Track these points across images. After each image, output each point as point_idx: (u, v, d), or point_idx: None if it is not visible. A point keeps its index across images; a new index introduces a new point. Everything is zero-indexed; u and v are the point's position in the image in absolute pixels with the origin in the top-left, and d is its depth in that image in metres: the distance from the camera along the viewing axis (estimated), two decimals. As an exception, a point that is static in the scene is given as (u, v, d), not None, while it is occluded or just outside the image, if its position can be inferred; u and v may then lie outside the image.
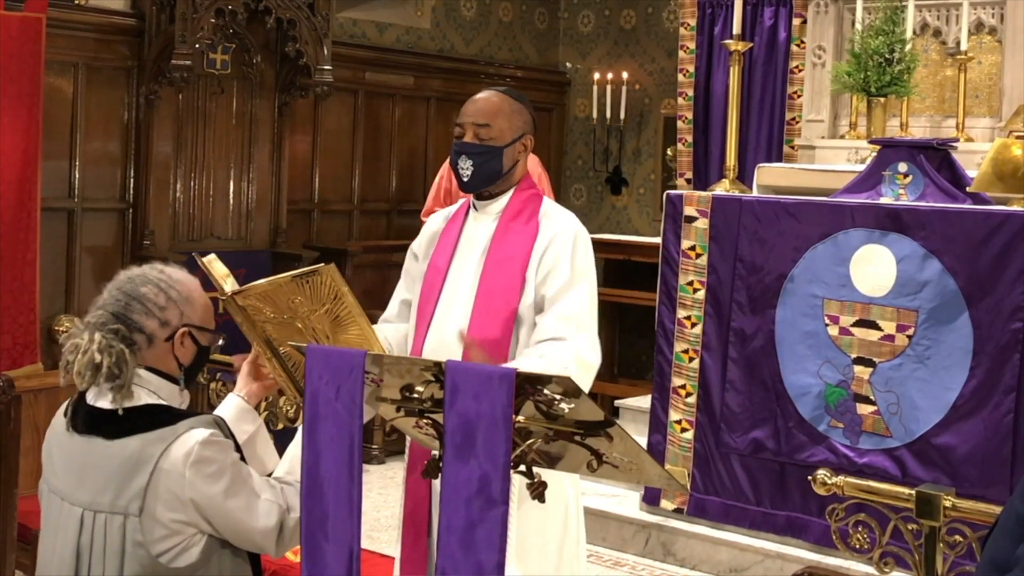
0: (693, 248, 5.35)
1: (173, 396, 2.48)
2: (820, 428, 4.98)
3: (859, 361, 4.89)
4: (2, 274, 5.41)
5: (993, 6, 6.20)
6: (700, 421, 5.29)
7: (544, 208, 3.19)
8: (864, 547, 3.22)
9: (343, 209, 7.68)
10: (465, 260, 3.17)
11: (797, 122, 6.86)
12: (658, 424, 5.41)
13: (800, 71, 6.82)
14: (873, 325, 4.86)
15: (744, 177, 6.23)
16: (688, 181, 7.36)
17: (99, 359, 2.37)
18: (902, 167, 5.12)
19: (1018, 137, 4.97)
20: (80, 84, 6.13)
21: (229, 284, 2.59)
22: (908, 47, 5.96)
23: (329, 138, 7.54)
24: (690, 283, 5.36)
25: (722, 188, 5.69)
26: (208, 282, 2.61)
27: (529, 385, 2.02)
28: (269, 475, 2.54)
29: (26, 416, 4.09)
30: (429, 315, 3.15)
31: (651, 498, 5.40)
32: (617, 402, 6.68)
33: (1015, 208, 4.71)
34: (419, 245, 3.34)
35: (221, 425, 2.44)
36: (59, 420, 2.51)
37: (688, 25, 7.33)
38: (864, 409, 4.88)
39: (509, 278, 3.08)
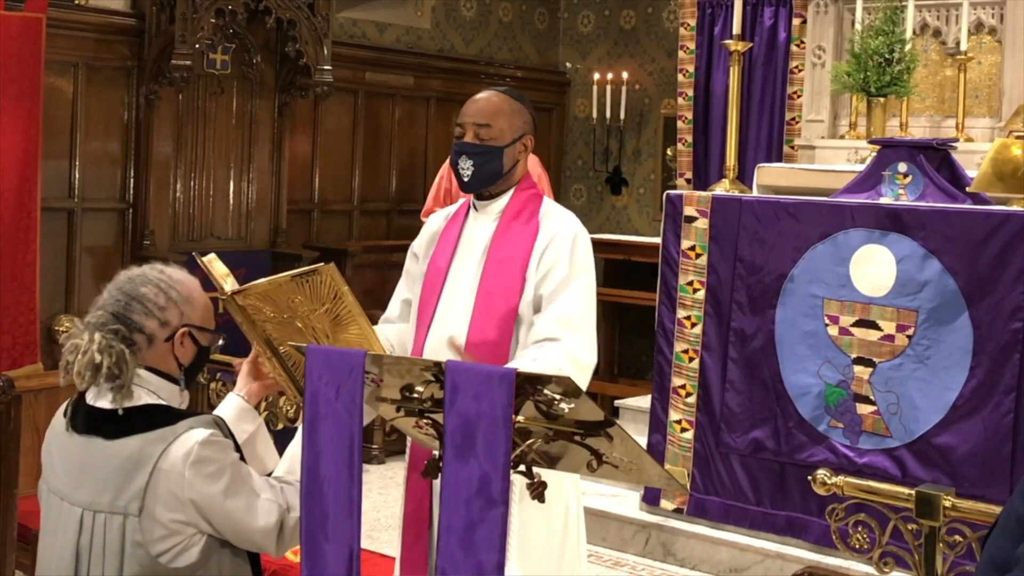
0: (693, 248, 5.35)
1: (173, 396, 2.48)
2: (820, 428, 4.98)
3: (859, 361, 4.89)
4: (2, 274, 5.41)
5: (993, 6, 6.20)
6: (700, 421, 5.29)
7: (544, 208, 3.19)
8: (864, 547, 3.22)
9: (343, 209, 7.68)
10: (465, 260, 3.17)
11: (797, 122, 6.86)
12: (658, 424, 5.41)
13: (800, 71, 6.82)
14: (873, 325, 4.86)
15: (744, 177, 6.23)
16: (688, 181, 7.36)
17: (99, 359, 2.37)
18: (902, 167, 5.12)
19: (1018, 137, 4.97)
20: (80, 84, 6.13)
21: (229, 284, 2.59)
22: (908, 47, 5.96)
23: (329, 138, 7.54)
24: (690, 283, 5.36)
25: (722, 188, 5.69)
26: (208, 282, 2.61)
27: (529, 385, 2.02)
28: (269, 474, 2.54)
29: (26, 416, 4.09)
30: (430, 315, 3.15)
31: (651, 498, 5.40)
32: (617, 402, 6.68)
33: (1015, 208, 4.71)
34: (419, 245, 3.34)
35: (221, 425, 2.44)
36: (59, 420, 2.51)
37: (688, 25, 7.33)
38: (864, 409, 4.88)
39: (509, 278, 3.08)
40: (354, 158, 7.71)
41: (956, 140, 5.47)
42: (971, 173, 5.07)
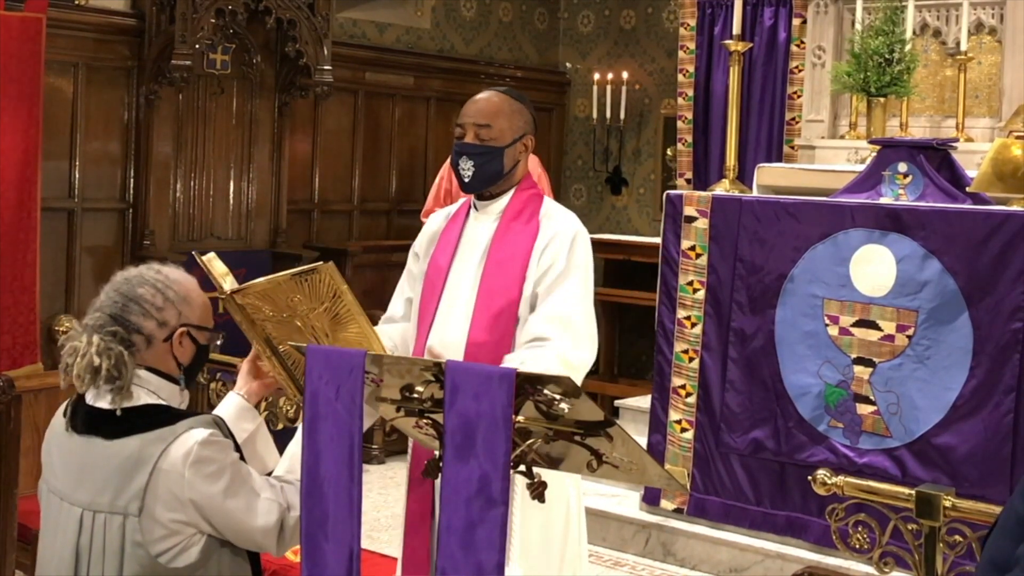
0: (693, 248, 5.35)
1: (173, 396, 2.48)
2: (820, 428, 4.98)
3: (859, 361, 4.89)
4: (2, 274, 5.41)
5: (993, 6, 6.20)
6: (700, 421, 5.29)
7: (545, 208, 3.19)
8: (864, 547, 3.22)
9: (343, 209, 7.68)
10: (466, 260, 3.17)
11: (797, 122, 6.86)
12: (658, 424, 5.41)
13: (800, 71, 6.82)
14: (873, 325, 4.86)
15: (744, 177, 6.23)
16: (688, 181, 7.36)
17: (98, 362, 2.37)
18: (902, 167, 5.12)
19: (1018, 137, 4.97)
20: (80, 84, 6.13)
21: (228, 283, 2.59)
22: (908, 47, 5.96)
23: (329, 138, 7.54)
24: (690, 283, 5.36)
25: (722, 188, 5.69)
26: (207, 281, 2.61)
27: (529, 385, 2.02)
28: (269, 474, 2.54)
29: (26, 416, 4.09)
30: (431, 315, 3.15)
31: (651, 498, 5.40)
32: (617, 402, 6.68)
33: (1015, 208, 4.71)
34: (420, 245, 3.34)
35: (220, 425, 2.44)
36: (58, 420, 2.51)
37: (688, 25, 7.34)
38: (864, 409, 4.88)
39: (510, 278, 3.08)
40: (354, 158, 7.71)
41: (956, 140, 5.47)
42: (971, 173, 5.07)
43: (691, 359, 5.33)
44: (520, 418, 2.06)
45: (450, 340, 3.08)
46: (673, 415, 5.36)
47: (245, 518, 2.36)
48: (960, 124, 6.00)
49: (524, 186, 3.21)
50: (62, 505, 2.43)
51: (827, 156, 6.29)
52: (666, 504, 5.35)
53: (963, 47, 6.01)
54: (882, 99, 5.97)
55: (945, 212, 4.79)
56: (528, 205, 3.18)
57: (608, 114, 8.47)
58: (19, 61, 5.42)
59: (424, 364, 2.13)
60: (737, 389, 5.20)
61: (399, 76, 7.91)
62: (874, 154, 5.36)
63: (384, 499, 6.02)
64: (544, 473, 2.14)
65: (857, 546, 3.24)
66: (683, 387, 5.34)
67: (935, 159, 5.12)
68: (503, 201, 3.19)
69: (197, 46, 6.04)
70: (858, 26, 6.22)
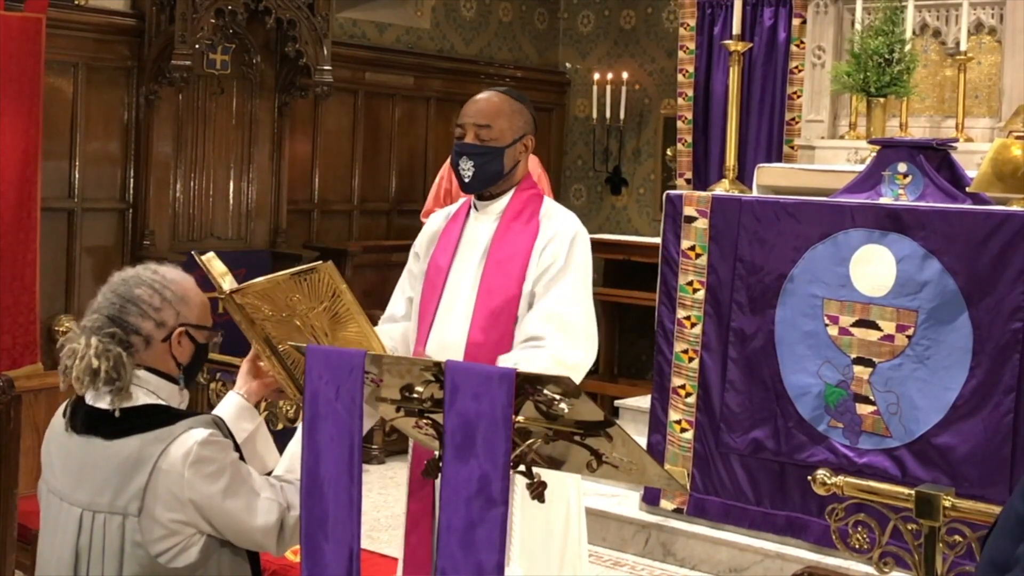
0: (693, 248, 5.35)
1: (173, 396, 2.48)
2: (820, 428, 4.98)
3: (859, 361, 4.89)
4: (2, 274, 5.41)
5: (993, 6, 6.20)
6: (700, 421, 5.29)
7: (545, 208, 3.19)
8: (864, 547, 3.22)
9: (343, 209, 7.68)
10: (466, 261, 3.17)
11: (797, 122, 6.86)
12: (658, 424, 5.41)
13: (800, 71, 6.82)
14: (873, 325, 4.86)
15: (744, 177, 6.24)
16: (688, 181, 7.36)
17: (96, 364, 2.37)
18: (902, 167, 5.12)
19: (1018, 137, 4.97)
20: (80, 84, 6.13)
21: (227, 282, 2.59)
22: (908, 47, 5.96)
23: (329, 138, 7.54)
24: (690, 283, 5.36)
25: (722, 188, 5.69)
26: (207, 280, 2.61)
27: (529, 385, 2.02)
28: (269, 473, 2.54)
29: (26, 416, 4.09)
30: (431, 315, 3.16)
31: (651, 498, 5.40)
32: (617, 402, 6.68)
33: (1015, 208, 4.72)
34: (420, 244, 3.34)
35: (220, 425, 2.44)
36: (58, 420, 2.51)
37: (688, 25, 7.34)
38: (864, 409, 4.88)
39: (510, 278, 3.08)
40: (354, 158, 7.71)
41: (956, 140, 5.47)
42: (971, 173, 5.08)
43: (691, 359, 5.33)
44: (520, 418, 2.06)
45: (450, 340, 3.08)
46: (673, 415, 5.36)
47: (245, 518, 2.36)
48: (960, 124, 6.00)
49: (524, 186, 3.21)
50: (62, 505, 2.43)
51: (827, 156, 6.29)
52: (666, 504, 5.35)
53: (963, 47, 6.01)
54: (882, 99, 5.97)
55: (945, 212, 4.79)
56: (528, 205, 3.18)
57: (608, 114, 8.47)
58: (19, 61, 5.43)
59: (424, 364, 2.13)
60: (737, 389, 5.20)
61: (399, 76, 7.91)
62: (874, 154, 5.36)
63: (384, 499, 6.02)
64: (544, 473, 2.15)
65: (857, 546, 3.24)
66: (683, 387, 5.34)
67: (935, 159, 5.12)
68: (503, 201, 3.19)
69: (197, 46, 6.04)
70: (858, 26, 6.22)
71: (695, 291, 5.34)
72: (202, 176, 6.57)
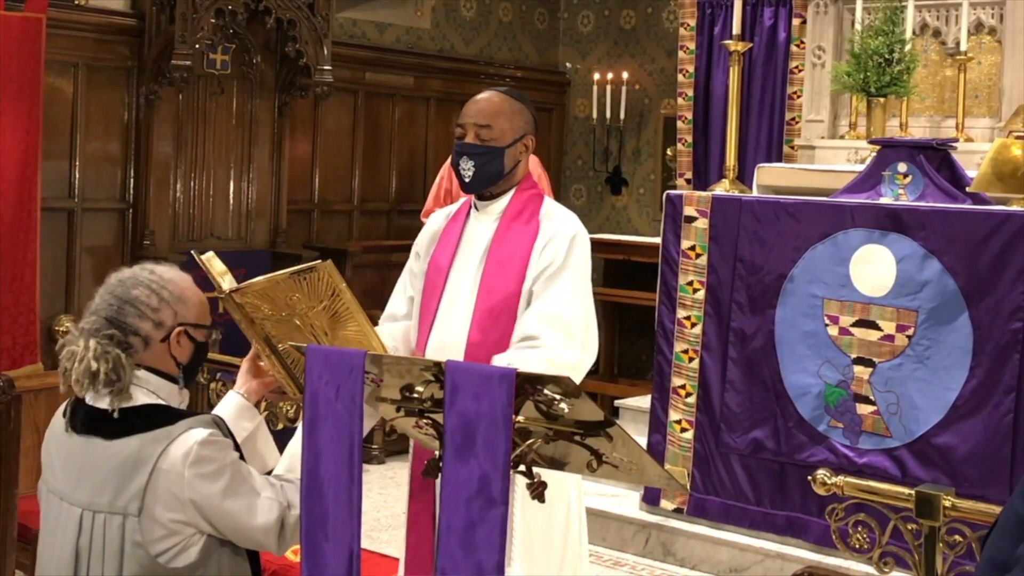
0: (693, 248, 5.35)
1: (172, 395, 2.48)
2: (820, 428, 4.98)
3: (859, 361, 4.89)
4: (2, 274, 5.41)
5: (993, 6, 6.20)
6: (700, 421, 5.29)
7: (545, 208, 3.19)
8: (864, 547, 3.22)
9: (343, 209, 7.68)
10: (466, 260, 3.17)
11: (797, 122, 6.86)
12: (658, 424, 5.41)
13: (800, 71, 6.82)
14: (873, 325, 4.86)
15: (744, 177, 6.23)
16: (688, 181, 7.36)
17: (95, 366, 2.36)
18: (902, 167, 5.12)
19: (1018, 137, 4.97)
20: (80, 84, 6.13)
21: (227, 281, 2.59)
22: (908, 47, 5.96)
23: (329, 138, 7.54)
24: (690, 283, 5.36)
25: (722, 188, 5.69)
26: (206, 280, 2.61)
27: (529, 385, 2.02)
28: (269, 472, 2.54)
29: (26, 416, 4.09)
30: (431, 315, 3.16)
31: (651, 498, 5.40)
32: (617, 402, 6.68)
33: (1015, 208, 4.72)
34: (421, 244, 3.34)
35: (220, 424, 2.44)
36: (58, 420, 2.51)
37: (688, 25, 7.33)
38: (864, 409, 4.88)
39: (509, 278, 3.08)
40: (354, 158, 7.71)
41: (956, 140, 5.47)
42: (971, 173, 5.07)
43: (691, 359, 5.33)
44: (520, 418, 2.06)
45: (450, 340, 3.09)
46: (673, 415, 5.36)
47: (245, 517, 2.36)
48: (960, 124, 6.00)
49: (524, 186, 3.21)
50: (62, 505, 2.43)
51: (827, 156, 6.29)
52: (666, 504, 5.35)
53: (963, 47, 6.01)
54: (882, 99, 5.97)
55: (945, 212, 4.79)
56: (528, 205, 3.18)
57: (608, 114, 8.47)
58: (19, 61, 5.42)
59: (424, 364, 2.13)
60: (737, 389, 5.20)
61: (399, 76, 7.91)
62: (874, 154, 5.36)
63: (384, 499, 6.02)
64: (544, 473, 2.15)
65: (857, 546, 3.24)
66: (683, 387, 5.34)
67: (935, 159, 5.12)
68: (503, 201, 3.19)
69: (197, 46, 6.04)
70: (858, 26, 6.22)
71: (695, 291, 5.34)
72: (202, 176, 6.57)
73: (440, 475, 2.05)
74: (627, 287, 7.80)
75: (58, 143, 6.01)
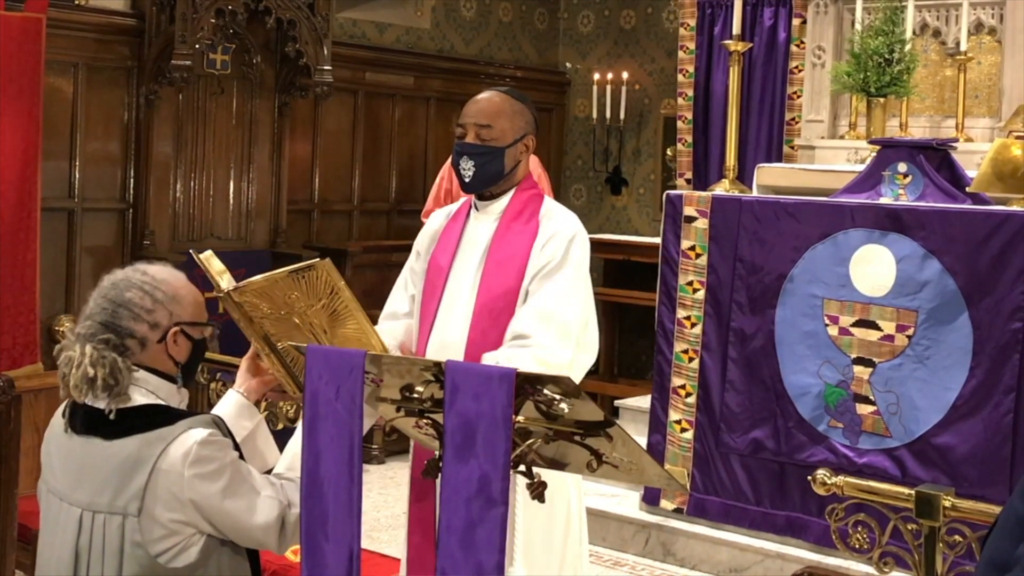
0: (693, 248, 5.35)
1: (172, 395, 2.48)
2: (820, 428, 4.98)
3: (859, 361, 4.89)
4: (2, 274, 5.41)
5: (993, 6, 6.20)
6: (700, 421, 5.29)
7: (545, 208, 3.19)
8: (864, 547, 3.22)
9: (343, 209, 7.68)
10: (466, 260, 3.17)
11: (797, 122, 6.86)
12: (658, 424, 5.41)
13: (800, 71, 6.82)
14: (873, 325, 4.86)
15: (744, 177, 6.23)
16: (688, 181, 7.36)
17: (92, 372, 2.36)
18: (902, 167, 5.12)
19: (1018, 137, 4.97)
20: (80, 84, 6.13)
21: (225, 280, 2.59)
22: (908, 47, 5.96)
23: (329, 138, 7.54)
24: (690, 283, 5.36)
25: (722, 188, 5.69)
26: (205, 280, 2.61)
27: (529, 385, 2.02)
28: (270, 471, 2.54)
29: (26, 416, 4.09)
30: (432, 315, 3.16)
31: (651, 498, 5.40)
32: (617, 402, 6.68)
33: (1015, 208, 4.72)
34: (421, 243, 3.34)
35: (219, 424, 2.44)
36: (57, 420, 2.51)
37: (688, 25, 7.33)
38: (864, 409, 4.88)
39: (509, 278, 3.08)
40: (354, 158, 7.71)
41: (956, 140, 5.47)
42: (971, 173, 5.07)
43: (691, 359, 5.33)
44: (520, 418, 2.06)
45: (450, 339, 3.09)
46: (673, 415, 5.36)
47: (245, 516, 2.36)
48: (960, 124, 6.00)
49: (525, 186, 3.21)
50: (61, 505, 2.43)
51: (827, 156, 6.29)
52: (666, 504, 5.35)
53: (963, 47, 6.01)
54: (882, 99, 5.97)
55: (945, 212, 4.79)
56: (528, 205, 3.18)
57: (608, 114, 8.47)
58: (19, 61, 5.42)
59: (424, 364, 2.13)
60: (737, 389, 5.20)
61: (399, 76, 7.91)
62: (874, 154, 5.36)
63: (384, 499, 6.03)
64: (545, 473, 2.15)
65: (857, 546, 3.24)
66: (683, 387, 5.34)
67: (935, 159, 5.12)
68: (503, 201, 3.19)
69: (197, 46, 6.04)
70: (858, 26, 6.22)
71: (695, 291, 5.34)
72: (202, 176, 6.57)
73: (440, 475, 2.05)
74: (627, 287, 7.80)
75: (58, 143, 6.01)
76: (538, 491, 2.12)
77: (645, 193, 8.63)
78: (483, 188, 3.17)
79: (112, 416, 2.37)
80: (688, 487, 5.27)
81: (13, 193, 5.44)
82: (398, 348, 3.15)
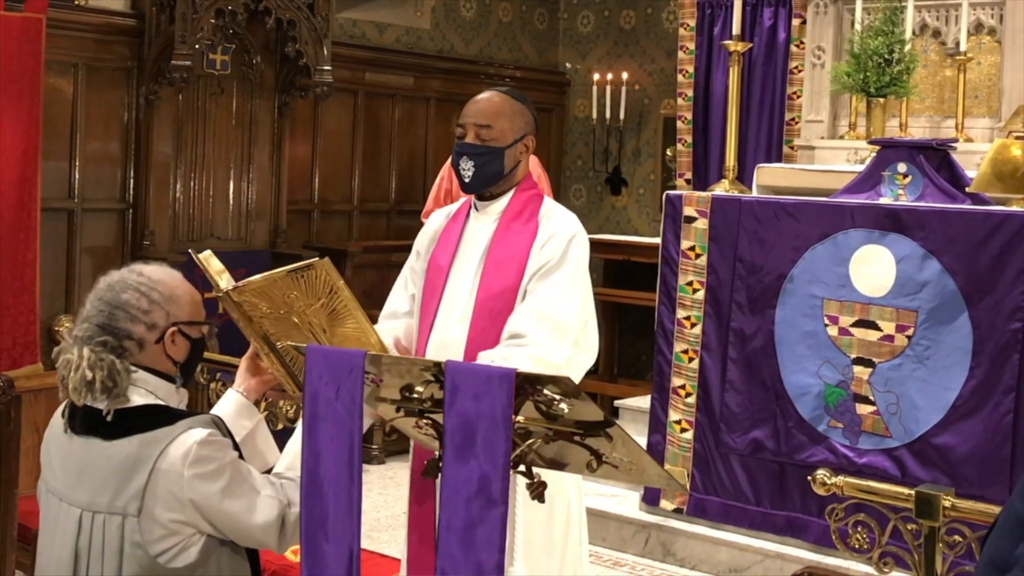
0: (693, 248, 5.35)
1: (171, 395, 2.48)
2: (820, 428, 4.98)
3: (859, 361, 4.89)
4: (2, 274, 5.41)
5: (993, 6, 6.20)
6: (700, 421, 5.29)
7: (545, 208, 3.19)
8: (864, 547, 3.22)
9: (343, 209, 7.68)
10: (466, 261, 3.17)
11: (796, 122, 6.87)
12: (658, 424, 5.41)
13: (799, 71, 6.82)
14: (872, 325, 4.86)
15: (744, 177, 6.23)
16: (688, 181, 7.36)
17: (91, 375, 2.36)
18: (901, 167, 5.12)
19: (1017, 137, 4.97)
20: (80, 84, 6.13)
21: (224, 280, 2.59)
22: (907, 48, 5.96)
23: (329, 138, 7.54)
24: (690, 283, 5.36)
25: (722, 188, 5.69)
26: (205, 280, 2.61)
27: (529, 385, 2.02)
28: (270, 470, 2.54)
29: (26, 416, 4.09)
30: (432, 315, 3.16)
31: (651, 498, 5.40)
32: (617, 402, 6.68)
33: (1015, 208, 4.72)
34: (421, 242, 3.34)
35: (219, 424, 2.44)
36: (57, 421, 2.51)
37: (688, 26, 7.34)
38: (864, 409, 4.88)
39: (509, 278, 3.08)
40: (354, 158, 7.71)
41: (956, 140, 5.47)
42: (971, 173, 5.07)
43: (691, 359, 5.34)
44: (520, 418, 2.06)
45: (450, 339, 3.09)
46: (673, 415, 5.36)
47: (245, 516, 2.36)
48: (960, 124, 6.00)
49: (524, 186, 3.21)
50: (61, 505, 2.43)
51: (827, 156, 6.29)
52: (666, 504, 5.35)
53: (963, 47, 6.01)
54: (882, 99, 5.97)
55: (945, 212, 4.79)
56: (528, 205, 3.18)
57: (608, 114, 8.47)
58: (19, 61, 5.42)
59: (424, 364, 2.13)
60: (737, 389, 5.20)
61: (399, 76, 7.91)
62: (874, 154, 5.36)
63: (384, 499, 6.03)
64: (545, 473, 2.15)
65: (857, 546, 3.24)
66: (683, 387, 5.34)
67: (935, 159, 5.12)
68: (503, 201, 3.19)
69: (197, 46, 6.04)
70: (858, 26, 6.22)
71: (695, 291, 5.34)
72: (202, 176, 6.57)
73: (440, 475, 2.05)
74: (627, 287, 7.80)
75: (58, 143, 6.01)
76: (538, 491, 2.12)
77: (645, 193, 8.63)
78: (483, 188, 3.17)
79: (110, 418, 2.37)
80: (688, 487, 5.27)
81: (13, 193, 5.44)
82: (394, 345, 3.14)
